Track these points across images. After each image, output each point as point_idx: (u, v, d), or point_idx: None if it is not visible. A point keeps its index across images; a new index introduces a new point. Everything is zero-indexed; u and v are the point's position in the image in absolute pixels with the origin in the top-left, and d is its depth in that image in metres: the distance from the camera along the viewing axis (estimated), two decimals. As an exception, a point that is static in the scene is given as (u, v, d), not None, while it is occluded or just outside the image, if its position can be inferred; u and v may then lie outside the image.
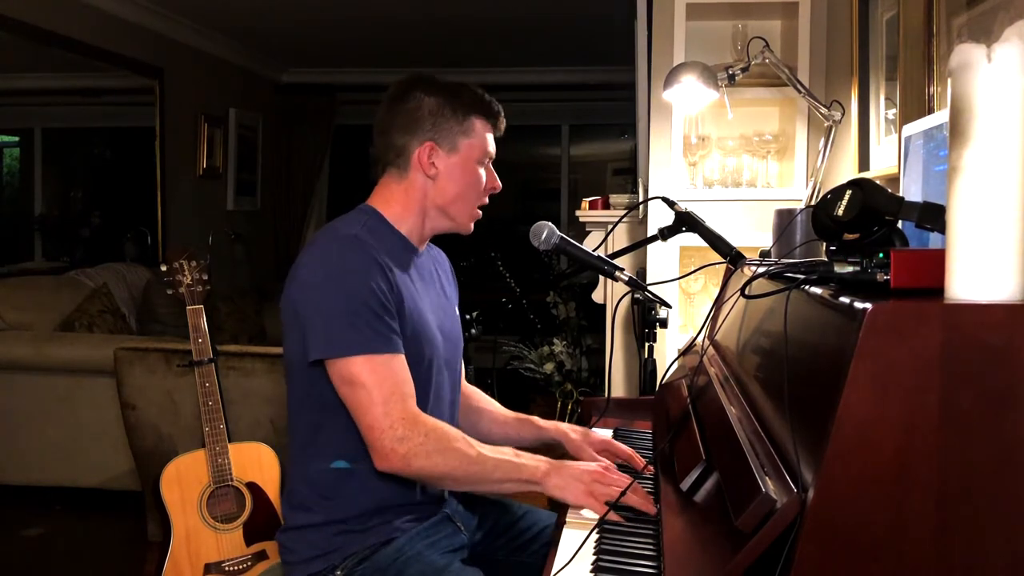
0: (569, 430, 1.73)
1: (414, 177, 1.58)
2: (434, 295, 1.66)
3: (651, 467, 1.59)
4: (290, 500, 1.59)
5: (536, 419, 1.80)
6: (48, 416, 3.61)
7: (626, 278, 1.84)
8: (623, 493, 1.38)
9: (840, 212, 1.05)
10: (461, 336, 1.74)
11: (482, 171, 1.61)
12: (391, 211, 1.60)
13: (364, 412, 1.43)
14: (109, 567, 3.10)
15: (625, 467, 1.62)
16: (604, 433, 1.89)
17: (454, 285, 1.79)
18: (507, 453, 1.49)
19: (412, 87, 1.59)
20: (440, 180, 1.58)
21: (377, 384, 1.42)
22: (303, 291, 1.49)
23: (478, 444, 1.48)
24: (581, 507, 1.42)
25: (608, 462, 1.58)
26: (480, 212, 1.65)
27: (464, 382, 1.84)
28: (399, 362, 1.47)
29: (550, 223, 1.86)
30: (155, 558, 2.38)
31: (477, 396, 1.86)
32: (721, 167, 2.69)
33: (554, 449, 1.72)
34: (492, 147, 1.62)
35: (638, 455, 1.67)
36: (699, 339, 1.87)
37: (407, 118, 1.57)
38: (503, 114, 1.64)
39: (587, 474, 1.43)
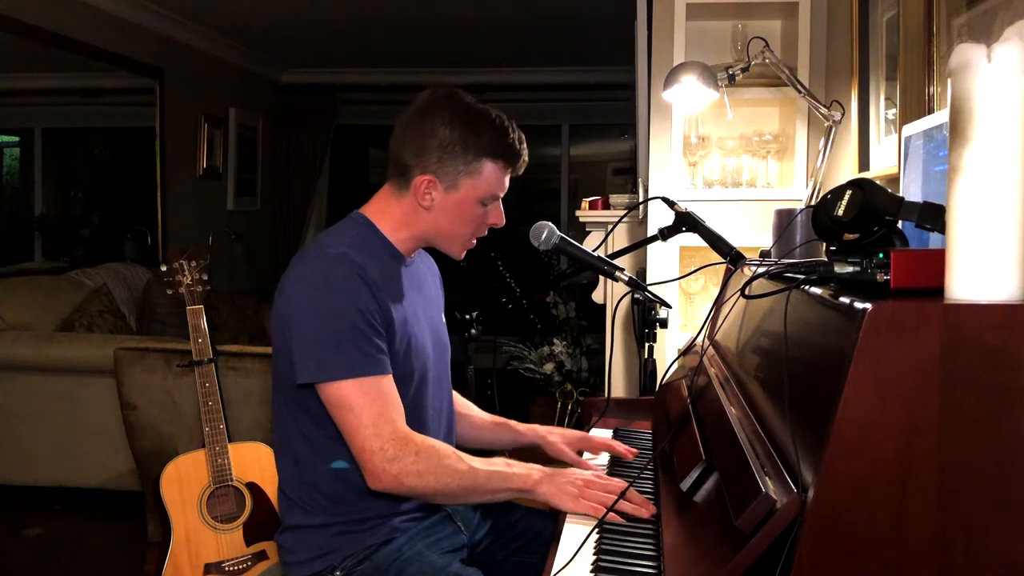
0: (547, 432, 1.72)
1: (411, 200, 1.55)
2: (423, 303, 1.64)
3: (635, 451, 1.58)
4: (288, 501, 1.59)
5: (513, 423, 1.80)
6: (48, 416, 3.61)
7: (626, 278, 1.84)
8: (618, 499, 1.38)
9: (840, 212, 1.04)
10: (449, 344, 1.73)
11: (483, 208, 1.56)
12: (384, 223, 1.58)
13: (354, 434, 1.43)
14: (109, 567, 3.10)
15: (626, 470, 1.62)
16: (604, 433, 1.89)
17: (441, 292, 1.78)
18: (498, 464, 1.49)
19: (436, 109, 1.52)
20: (433, 212, 1.54)
21: (366, 406, 1.42)
22: (290, 310, 1.47)
23: (468, 457, 1.47)
24: (574, 513, 1.42)
25: (599, 472, 1.57)
26: (474, 243, 1.61)
27: None
28: (387, 383, 1.46)
29: (550, 223, 1.86)
30: (155, 558, 2.38)
31: (457, 400, 1.85)
32: (721, 167, 2.69)
33: (535, 452, 1.72)
34: (503, 187, 1.56)
35: (618, 443, 1.67)
36: (699, 339, 1.87)
37: (418, 142, 1.52)
38: (524, 157, 1.57)
39: (579, 480, 1.44)
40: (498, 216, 1.59)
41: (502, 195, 1.58)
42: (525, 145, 1.57)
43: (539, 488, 1.44)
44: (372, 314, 1.45)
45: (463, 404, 1.85)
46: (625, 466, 1.65)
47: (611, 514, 1.36)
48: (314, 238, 1.60)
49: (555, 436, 1.71)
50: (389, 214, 1.58)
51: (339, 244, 1.51)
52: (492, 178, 1.53)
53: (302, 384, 1.46)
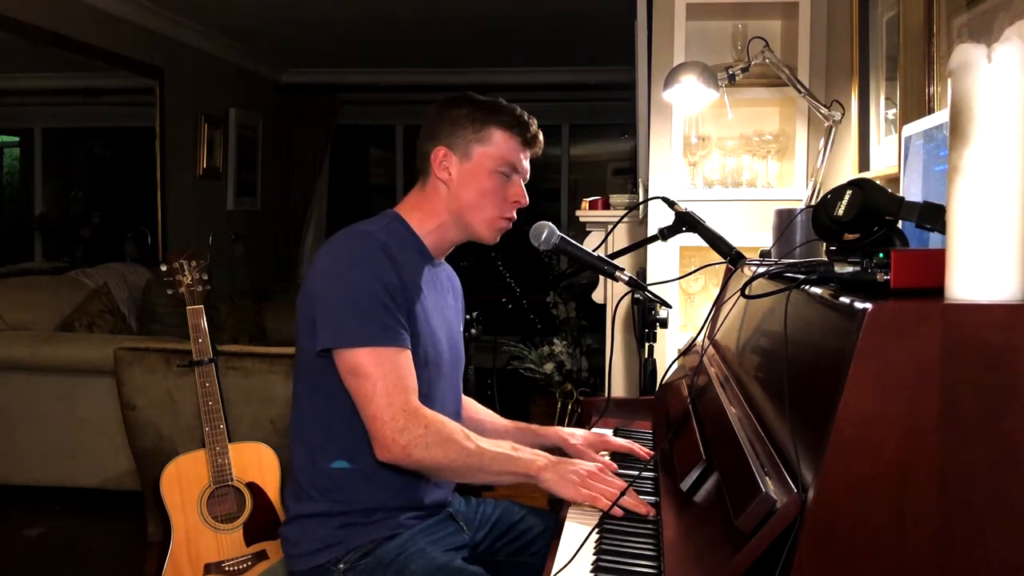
0: (568, 434, 1.73)
1: (434, 183, 1.62)
2: (443, 308, 1.67)
3: (652, 452, 1.59)
4: (294, 493, 1.60)
5: (533, 426, 1.81)
6: (48, 416, 3.61)
7: (626, 278, 1.84)
8: (621, 495, 1.38)
9: (840, 212, 1.04)
10: (463, 355, 1.75)
11: (501, 180, 1.60)
12: (413, 217, 1.63)
13: (367, 402, 1.45)
14: (109, 567, 3.10)
15: (627, 467, 1.62)
16: (604, 434, 1.89)
17: (461, 307, 1.81)
18: (504, 447, 1.51)
19: (446, 103, 1.64)
20: (454, 186, 1.60)
21: (382, 376, 1.45)
22: (317, 282, 1.53)
23: (476, 437, 1.50)
24: (574, 502, 1.43)
25: (608, 462, 1.58)
26: (507, 223, 1.64)
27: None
28: (404, 356, 1.49)
29: (550, 223, 1.86)
30: (155, 558, 2.38)
31: (474, 407, 1.87)
32: (721, 167, 2.69)
33: (556, 454, 1.72)
34: (518, 160, 1.62)
35: (638, 445, 1.67)
36: (699, 339, 1.87)
37: (431, 127, 1.62)
38: (534, 131, 1.63)
39: (583, 470, 1.45)
40: (519, 192, 1.63)
41: (523, 174, 1.64)
42: (536, 124, 1.64)
43: (542, 475, 1.46)
44: (394, 289, 1.49)
45: (483, 412, 1.87)
46: (626, 466, 1.65)
47: (613, 510, 1.36)
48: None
49: (576, 438, 1.72)
50: (417, 207, 1.63)
51: (369, 227, 1.57)
52: (504, 146, 1.60)
53: (321, 353, 1.49)
